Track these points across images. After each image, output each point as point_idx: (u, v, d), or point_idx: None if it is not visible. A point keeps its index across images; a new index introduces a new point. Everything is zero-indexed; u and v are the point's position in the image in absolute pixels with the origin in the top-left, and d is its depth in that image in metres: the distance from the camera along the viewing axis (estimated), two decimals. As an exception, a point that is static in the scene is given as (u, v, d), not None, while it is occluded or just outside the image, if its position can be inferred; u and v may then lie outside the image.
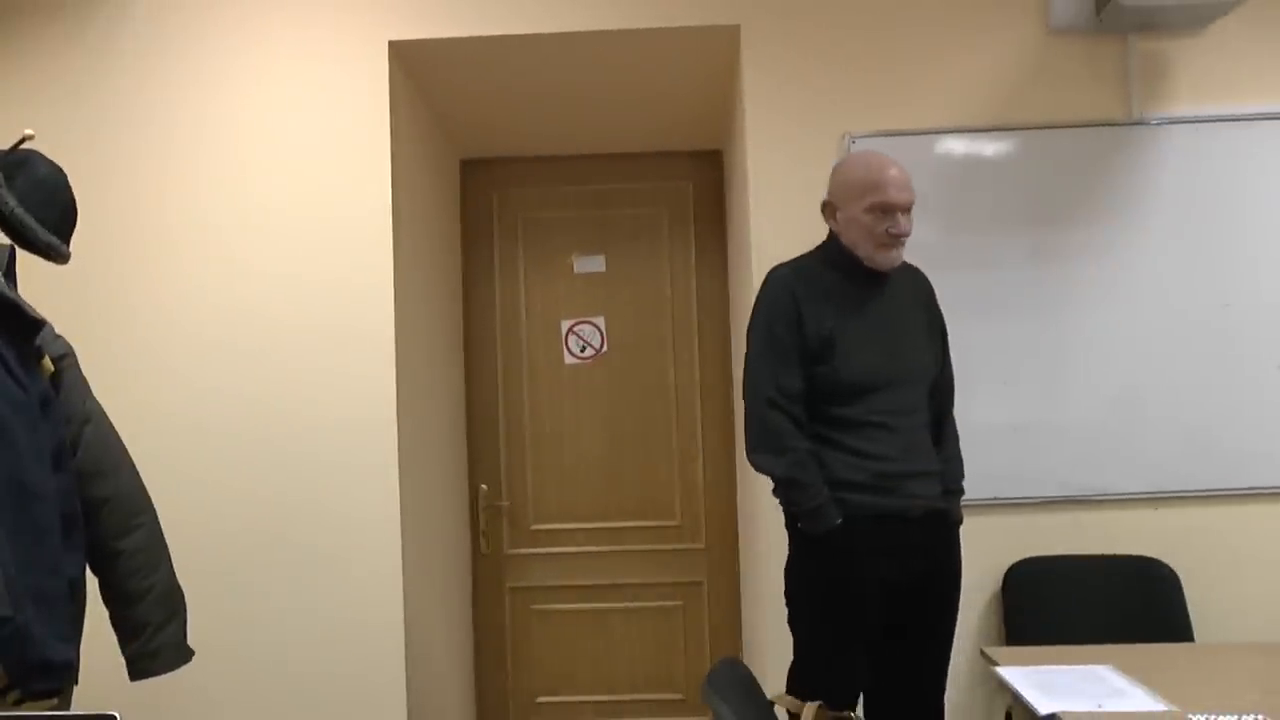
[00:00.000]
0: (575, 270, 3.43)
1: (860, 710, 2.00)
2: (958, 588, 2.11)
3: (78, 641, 1.56)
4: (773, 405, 1.98)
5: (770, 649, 2.48)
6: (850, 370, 1.98)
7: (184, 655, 1.76)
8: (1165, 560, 2.45)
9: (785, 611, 2.05)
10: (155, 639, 1.71)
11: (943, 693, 2.08)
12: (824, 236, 2.12)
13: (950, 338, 2.15)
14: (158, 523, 1.77)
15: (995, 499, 2.49)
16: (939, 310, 2.17)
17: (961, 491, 2.11)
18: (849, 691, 1.96)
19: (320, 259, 2.51)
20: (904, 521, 1.98)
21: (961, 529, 2.11)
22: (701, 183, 3.44)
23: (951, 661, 2.10)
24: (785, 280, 2.06)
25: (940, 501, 2.06)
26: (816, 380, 1.99)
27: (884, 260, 2.00)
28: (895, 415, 1.99)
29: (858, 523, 1.94)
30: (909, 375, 2.04)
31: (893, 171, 1.99)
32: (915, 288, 2.15)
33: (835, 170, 2.11)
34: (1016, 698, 1.76)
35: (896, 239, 1.99)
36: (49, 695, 1.46)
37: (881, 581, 1.96)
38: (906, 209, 2.00)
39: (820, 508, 1.94)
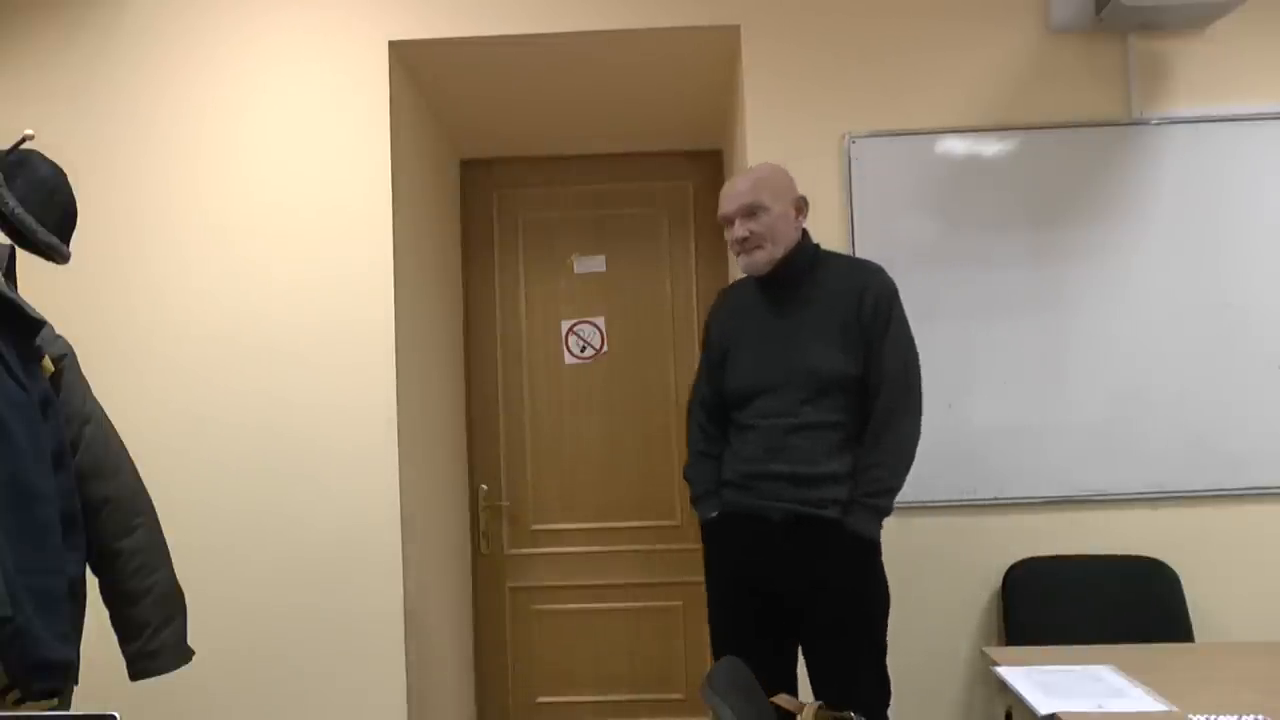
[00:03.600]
0: (575, 270, 3.43)
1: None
2: (856, 608, 1.98)
3: (78, 641, 1.55)
4: (689, 412, 2.26)
5: (770, 649, 2.48)
6: (733, 378, 2.12)
7: (184, 655, 1.76)
8: (1165, 560, 2.45)
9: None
10: (155, 639, 1.71)
11: (865, 709, 1.97)
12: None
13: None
14: (158, 523, 1.77)
15: (995, 499, 2.50)
16: (877, 309, 2.02)
17: (873, 506, 1.96)
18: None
19: (320, 259, 2.51)
20: (767, 523, 2.02)
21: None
22: (701, 183, 3.44)
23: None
24: (718, 297, 2.29)
25: (812, 508, 1.97)
26: (722, 387, 2.15)
27: (746, 266, 2.10)
28: (767, 418, 2.05)
29: (728, 519, 2.09)
30: (788, 379, 2.03)
31: (726, 186, 2.12)
32: (846, 289, 2.04)
33: None
34: (1017, 698, 1.76)
35: (740, 245, 2.08)
36: (49, 695, 1.46)
37: (745, 579, 2.06)
38: (731, 219, 2.08)
39: (698, 499, 2.15)
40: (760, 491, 2.03)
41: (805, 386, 2.02)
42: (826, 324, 2.03)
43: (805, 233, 2.11)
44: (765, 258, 2.06)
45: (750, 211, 2.05)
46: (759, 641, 2.05)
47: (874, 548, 2.00)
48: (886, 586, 2.03)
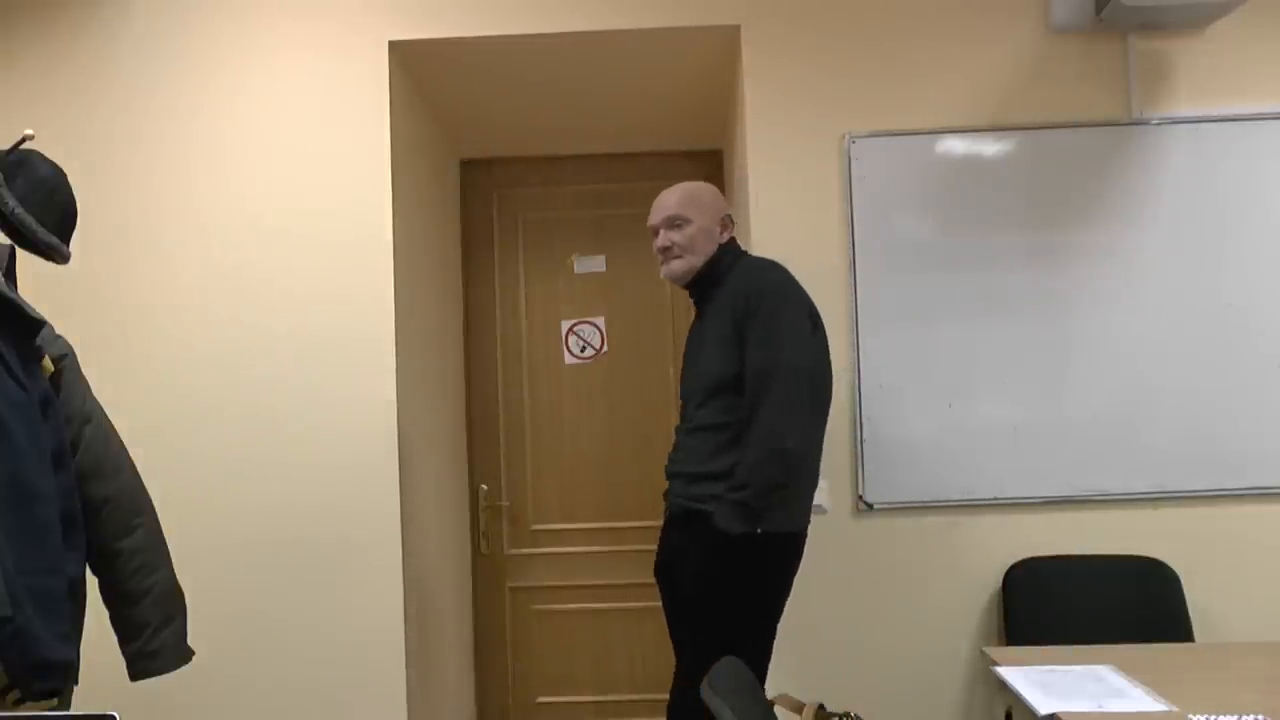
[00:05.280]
0: (575, 270, 3.43)
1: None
2: (700, 595, 2.03)
3: (78, 641, 1.55)
4: None
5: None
6: (680, 389, 2.29)
7: (184, 655, 1.76)
8: (1166, 560, 2.45)
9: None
10: (155, 639, 1.71)
11: (685, 692, 1.99)
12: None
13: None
14: (158, 523, 1.77)
15: (995, 499, 2.50)
16: (749, 308, 2.03)
17: (732, 501, 1.94)
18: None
19: (320, 259, 2.51)
20: (671, 516, 2.21)
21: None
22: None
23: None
24: None
25: (695, 504, 2.06)
26: None
27: (666, 274, 2.22)
28: (681, 424, 2.21)
29: (665, 512, 2.25)
30: (692, 386, 2.18)
31: (658, 198, 2.24)
32: (734, 292, 2.08)
33: None
34: (1017, 698, 1.75)
35: (661, 254, 2.21)
36: (49, 695, 1.46)
37: (659, 565, 2.23)
38: (657, 229, 2.21)
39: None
40: (670, 490, 2.20)
41: (700, 391, 2.13)
42: (721, 329, 2.08)
43: (728, 246, 2.19)
44: (683, 267, 2.18)
45: (674, 223, 2.17)
46: (676, 628, 2.19)
47: (741, 542, 1.94)
48: (748, 590, 2.00)
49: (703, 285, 2.19)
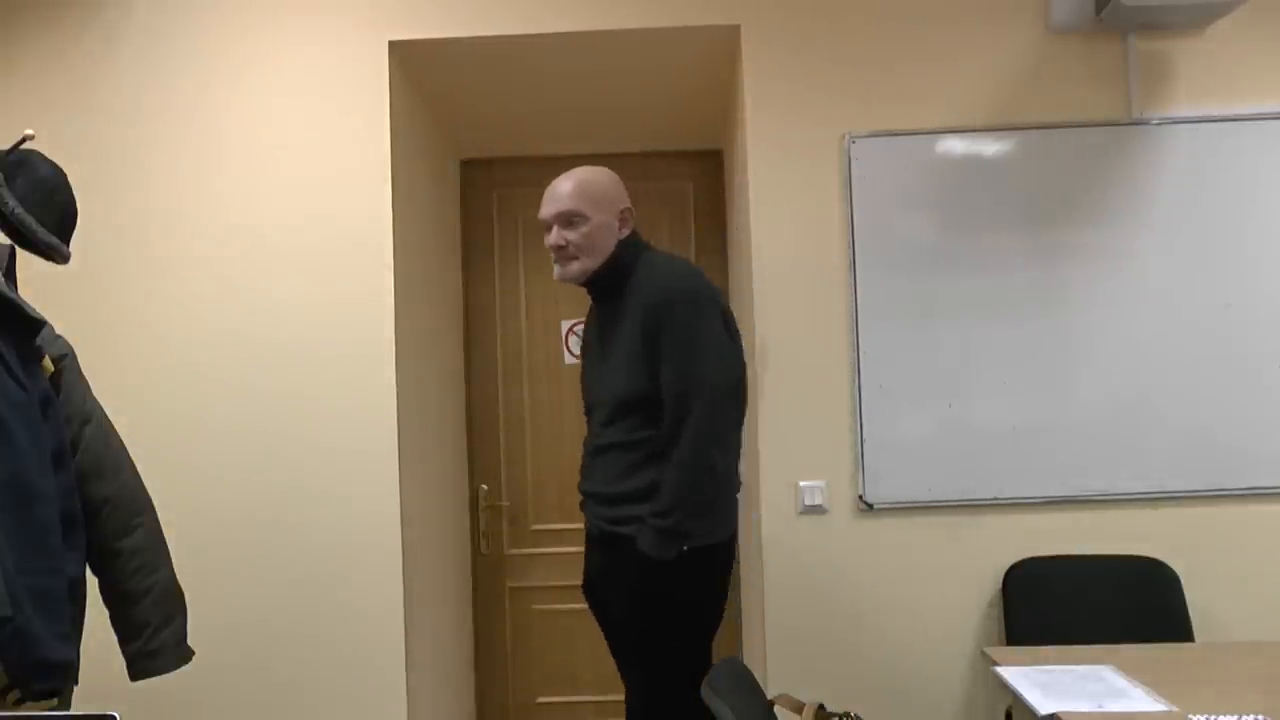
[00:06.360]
0: (575, 270, 3.42)
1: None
2: (639, 621, 1.96)
3: (78, 641, 1.56)
4: None
5: (770, 649, 2.49)
6: (583, 394, 2.18)
7: (184, 655, 1.76)
8: (1165, 560, 2.45)
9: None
10: (155, 639, 1.71)
11: (649, 711, 2.02)
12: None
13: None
14: (158, 523, 1.77)
15: (995, 499, 2.50)
16: (659, 321, 1.92)
17: (655, 527, 1.88)
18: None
19: (320, 259, 2.51)
20: (590, 536, 2.13)
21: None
22: (701, 183, 3.44)
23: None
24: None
25: (614, 525, 1.99)
26: None
27: (560, 276, 2.06)
28: (590, 439, 2.10)
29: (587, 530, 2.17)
30: (598, 400, 2.06)
31: (551, 185, 2.06)
32: (638, 302, 1.97)
33: None
34: (1017, 698, 1.76)
35: (555, 253, 2.05)
36: (49, 695, 1.46)
37: (586, 583, 2.17)
38: (550, 225, 2.04)
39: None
40: (586, 508, 2.12)
41: (608, 406, 2.00)
42: (630, 342, 1.96)
43: (628, 242, 2.05)
44: (579, 269, 2.03)
45: (568, 220, 2.01)
46: (616, 646, 2.13)
47: (669, 566, 1.89)
48: (685, 607, 1.96)
49: (601, 284, 2.05)
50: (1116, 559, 2.46)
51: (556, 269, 2.06)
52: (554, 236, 2.03)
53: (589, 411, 2.12)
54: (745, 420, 2.07)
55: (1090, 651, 1.99)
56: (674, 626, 1.96)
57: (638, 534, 1.90)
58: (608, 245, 2.02)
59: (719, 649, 2.07)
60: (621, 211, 2.05)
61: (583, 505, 2.16)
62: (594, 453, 2.06)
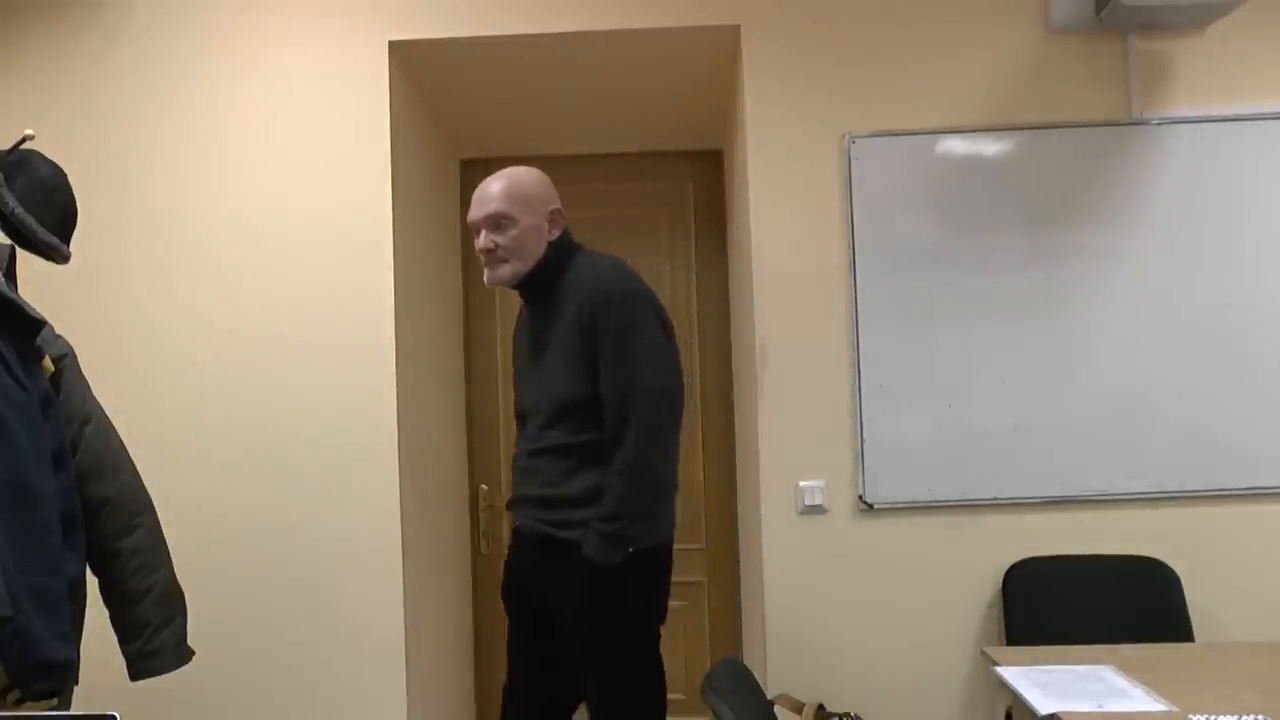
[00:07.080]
0: (575, 270, 3.42)
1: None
2: (586, 629, 1.94)
3: (78, 641, 1.56)
4: None
5: (770, 649, 2.49)
6: (515, 399, 2.14)
7: (184, 655, 1.76)
8: (1165, 560, 2.45)
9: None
10: (155, 639, 1.71)
11: (611, 712, 1.99)
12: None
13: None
14: (158, 523, 1.77)
15: (995, 499, 2.50)
16: (595, 323, 1.91)
17: (600, 532, 1.87)
18: (510, 675, 2.11)
19: (320, 259, 2.51)
20: (523, 539, 2.07)
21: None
22: (701, 183, 3.44)
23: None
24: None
25: (554, 529, 1.95)
26: None
27: (490, 280, 2.05)
28: (524, 442, 2.06)
29: (514, 533, 2.12)
30: (535, 404, 2.02)
31: (480, 186, 2.03)
32: (573, 302, 1.95)
33: None
34: (1017, 698, 1.76)
35: (484, 256, 2.03)
36: (49, 695, 1.46)
37: (512, 587, 2.11)
38: (479, 228, 2.02)
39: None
40: (522, 512, 2.06)
41: (545, 411, 1.98)
42: (566, 346, 1.95)
43: (559, 243, 2.03)
44: (509, 272, 2.01)
45: (496, 223, 1.99)
46: (531, 652, 2.08)
47: (614, 571, 1.88)
48: (635, 609, 1.96)
49: (533, 286, 2.04)
50: (1116, 559, 2.46)
51: (486, 273, 2.05)
52: (483, 240, 2.01)
53: (523, 416, 2.08)
54: (682, 425, 2.03)
55: (1090, 651, 1.99)
56: (626, 628, 1.96)
57: (583, 539, 1.88)
58: (538, 247, 2.01)
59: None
60: (551, 212, 2.03)
61: (510, 506, 2.13)
62: (530, 456, 2.02)
